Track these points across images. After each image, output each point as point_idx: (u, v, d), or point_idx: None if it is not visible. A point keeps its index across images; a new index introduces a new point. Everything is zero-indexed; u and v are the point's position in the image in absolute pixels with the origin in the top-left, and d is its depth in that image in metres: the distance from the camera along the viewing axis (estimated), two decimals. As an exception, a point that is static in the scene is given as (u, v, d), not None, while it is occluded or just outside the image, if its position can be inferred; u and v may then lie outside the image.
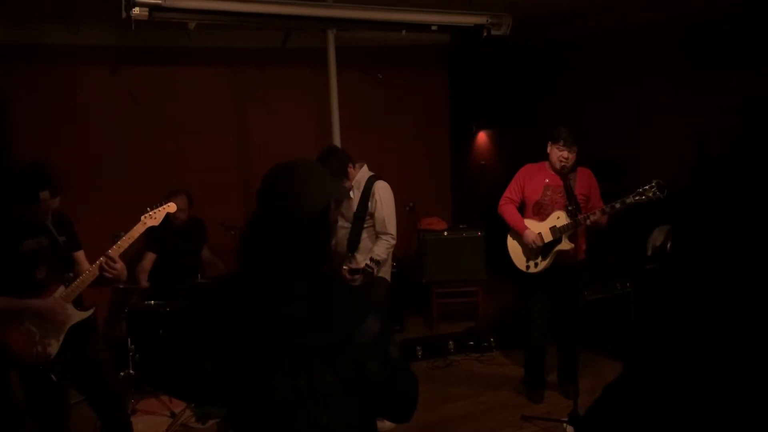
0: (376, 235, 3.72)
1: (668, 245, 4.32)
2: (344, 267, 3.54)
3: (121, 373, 4.06)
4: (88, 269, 2.80)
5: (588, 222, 3.66)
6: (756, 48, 4.37)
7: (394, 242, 3.71)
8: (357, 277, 3.46)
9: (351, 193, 3.76)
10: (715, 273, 1.05)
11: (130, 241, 2.80)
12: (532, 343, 4.13)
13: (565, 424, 3.66)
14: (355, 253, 3.74)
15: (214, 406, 3.64)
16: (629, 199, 3.56)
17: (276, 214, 1.51)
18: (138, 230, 2.84)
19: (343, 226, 3.80)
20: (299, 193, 1.51)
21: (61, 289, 2.79)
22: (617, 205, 3.61)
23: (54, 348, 2.76)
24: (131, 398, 4.03)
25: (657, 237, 4.65)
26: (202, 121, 5.53)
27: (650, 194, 3.49)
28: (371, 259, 3.51)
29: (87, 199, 4.92)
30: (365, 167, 3.84)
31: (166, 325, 4.04)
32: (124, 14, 3.62)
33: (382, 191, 3.70)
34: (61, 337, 2.79)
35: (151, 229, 4.76)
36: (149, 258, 4.62)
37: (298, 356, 1.44)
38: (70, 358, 2.83)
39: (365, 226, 3.74)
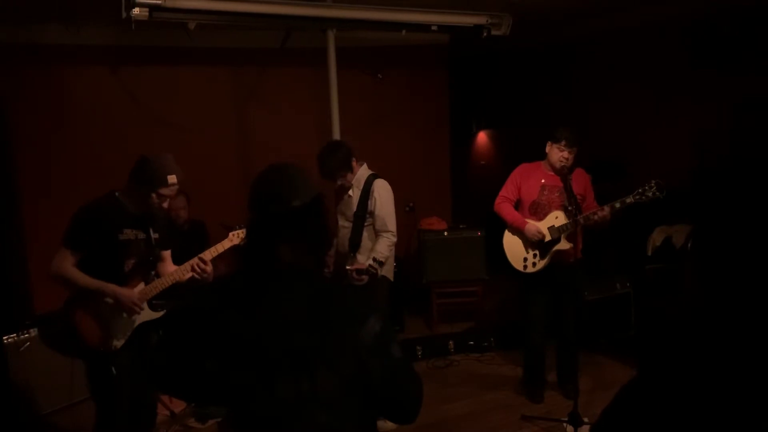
0: (376, 234, 3.71)
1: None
2: (348, 267, 3.52)
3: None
4: (175, 269, 2.93)
5: (596, 217, 3.65)
6: (756, 48, 4.37)
7: (395, 239, 3.70)
8: (363, 277, 3.44)
9: (350, 191, 3.76)
10: (741, 273, 1.04)
11: (216, 254, 2.97)
12: (532, 342, 4.13)
13: (565, 424, 3.67)
14: (357, 253, 3.73)
15: (214, 406, 3.64)
16: (629, 199, 3.57)
17: (272, 206, 1.54)
18: (224, 245, 3.02)
19: (344, 226, 3.81)
20: (291, 184, 1.56)
21: (141, 285, 2.88)
22: (617, 205, 3.61)
23: (120, 342, 2.84)
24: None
25: (657, 237, 4.65)
26: (202, 121, 5.53)
27: (650, 194, 3.50)
28: (374, 259, 3.48)
29: (87, 198, 4.92)
30: (365, 165, 3.83)
31: (167, 325, 4.03)
32: (124, 14, 3.62)
33: (381, 190, 3.69)
34: (129, 333, 2.87)
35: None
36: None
37: (300, 356, 1.44)
38: (133, 353, 2.89)
39: (366, 224, 3.73)
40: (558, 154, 3.77)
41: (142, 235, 2.86)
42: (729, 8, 4.48)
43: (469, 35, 4.65)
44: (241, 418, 1.51)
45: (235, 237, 3.04)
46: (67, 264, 2.72)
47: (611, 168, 5.30)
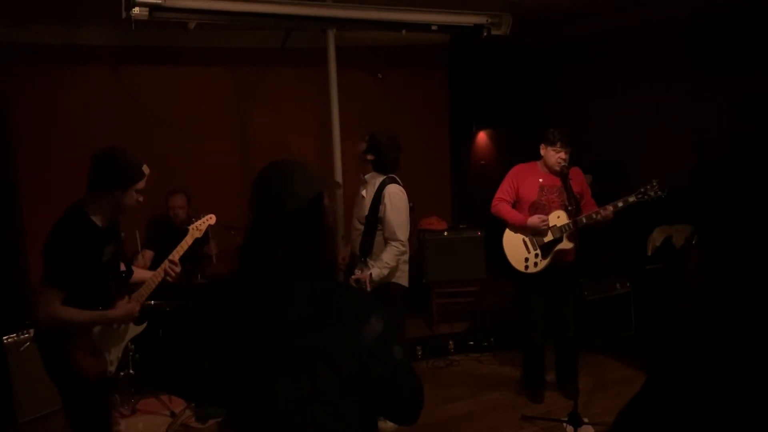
0: (385, 241, 3.55)
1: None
2: (352, 277, 3.44)
3: (121, 373, 4.06)
4: (151, 275, 2.85)
5: (599, 217, 3.65)
6: (756, 48, 4.37)
7: (404, 249, 3.52)
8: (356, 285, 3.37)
9: (363, 192, 3.66)
10: (743, 271, 1.03)
11: (182, 252, 2.96)
12: (531, 342, 4.12)
13: (565, 424, 3.66)
14: (368, 258, 3.58)
15: (214, 405, 3.64)
16: (631, 198, 3.57)
17: (268, 210, 1.53)
18: (188, 241, 2.99)
19: (356, 228, 3.70)
20: (286, 186, 1.54)
21: (126, 300, 2.74)
22: (620, 204, 3.61)
23: (114, 366, 2.73)
24: (131, 398, 4.03)
25: (657, 237, 4.65)
26: (202, 121, 5.53)
27: (651, 194, 3.50)
28: (370, 275, 3.34)
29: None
30: None
31: (166, 325, 4.03)
32: (124, 14, 3.62)
33: (393, 196, 3.51)
34: (120, 354, 2.76)
35: (151, 227, 4.81)
36: (148, 256, 4.63)
37: (301, 356, 1.44)
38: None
39: (378, 230, 3.58)
40: (555, 156, 3.77)
41: (114, 250, 2.66)
42: (729, 8, 4.48)
43: (469, 35, 4.65)
44: (241, 417, 1.51)
45: (195, 230, 3.05)
46: (58, 305, 2.42)
47: (612, 168, 5.30)
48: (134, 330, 2.87)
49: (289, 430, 1.46)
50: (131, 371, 4.08)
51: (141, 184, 2.57)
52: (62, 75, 5.12)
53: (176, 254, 2.91)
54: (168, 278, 2.85)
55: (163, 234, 4.62)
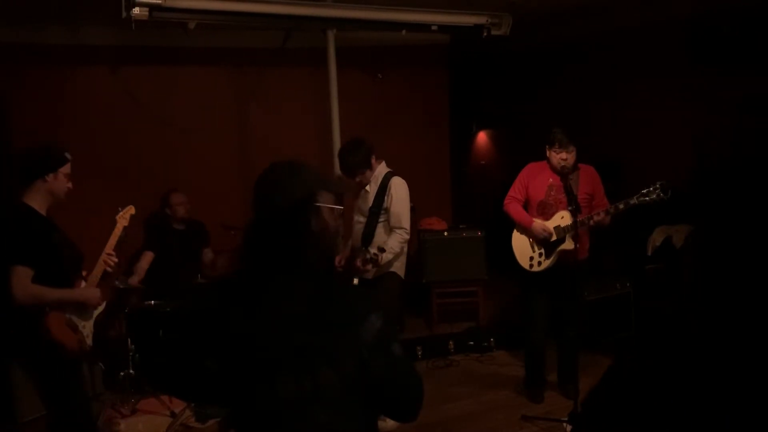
0: (390, 230, 3.78)
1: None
2: (357, 261, 3.61)
3: (121, 373, 4.06)
4: (98, 263, 2.96)
5: (591, 222, 3.66)
6: (756, 48, 4.37)
7: (407, 236, 3.78)
8: (368, 266, 3.56)
9: (368, 186, 3.84)
10: (741, 271, 1.05)
11: (115, 242, 3.06)
12: (532, 342, 4.12)
13: (565, 424, 3.66)
14: (369, 248, 3.77)
15: (214, 406, 3.65)
16: (633, 200, 3.55)
17: (262, 206, 1.55)
18: (119, 228, 3.13)
19: (359, 221, 3.90)
20: (279, 183, 1.56)
21: (82, 283, 2.91)
22: (621, 206, 3.60)
23: (89, 339, 2.89)
24: (131, 398, 4.03)
25: (657, 237, 4.65)
26: (202, 121, 5.53)
27: (654, 195, 3.49)
28: (378, 248, 3.56)
29: (86, 198, 4.92)
30: (383, 163, 3.91)
31: (166, 325, 4.04)
32: (124, 14, 3.63)
33: (398, 187, 3.77)
34: (92, 328, 2.92)
35: (151, 228, 4.81)
36: (147, 257, 4.62)
37: (301, 355, 1.44)
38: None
39: (380, 221, 3.81)
40: (556, 157, 3.78)
41: (61, 236, 2.83)
42: (729, 8, 4.48)
43: (469, 35, 4.66)
44: (242, 417, 1.51)
45: (122, 219, 3.17)
46: (29, 282, 2.62)
47: (610, 168, 5.29)
48: (99, 307, 3.00)
49: (290, 429, 1.46)
50: (131, 371, 4.08)
51: (67, 169, 2.77)
52: (62, 75, 5.13)
53: (110, 246, 3.01)
54: (108, 269, 2.96)
55: (162, 233, 4.62)
